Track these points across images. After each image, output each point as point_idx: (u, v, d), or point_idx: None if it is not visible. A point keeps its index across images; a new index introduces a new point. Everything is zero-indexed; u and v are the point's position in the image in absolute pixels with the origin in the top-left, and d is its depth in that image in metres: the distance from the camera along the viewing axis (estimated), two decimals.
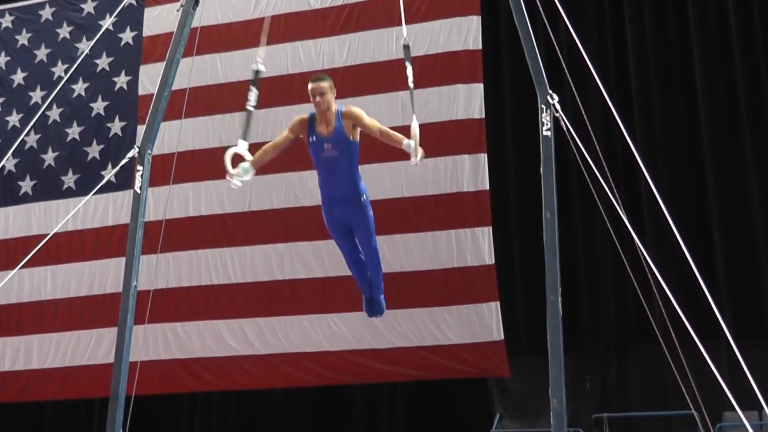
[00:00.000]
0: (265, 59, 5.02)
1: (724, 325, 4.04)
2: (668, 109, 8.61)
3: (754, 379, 4.02)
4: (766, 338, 8.04)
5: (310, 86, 4.87)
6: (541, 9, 5.96)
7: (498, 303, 8.42)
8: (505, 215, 8.89)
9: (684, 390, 5.87)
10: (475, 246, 8.55)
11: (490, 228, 8.59)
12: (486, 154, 8.74)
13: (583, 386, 8.60)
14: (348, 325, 8.77)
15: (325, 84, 4.88)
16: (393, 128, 8.83)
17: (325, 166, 4.93)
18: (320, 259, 8.93)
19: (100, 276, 9.68)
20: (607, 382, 8.63)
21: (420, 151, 4.37)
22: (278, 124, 9.31)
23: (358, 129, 4.88)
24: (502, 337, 8.34)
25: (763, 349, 7.92)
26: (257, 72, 5.01)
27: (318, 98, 4.85)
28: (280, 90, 9.32)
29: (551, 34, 6.15)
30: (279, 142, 5.03)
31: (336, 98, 4.96)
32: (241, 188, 9.35)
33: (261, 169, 9.70)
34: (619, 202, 4.99)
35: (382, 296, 5.31)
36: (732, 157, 8.32)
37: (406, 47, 4.87)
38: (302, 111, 5.22)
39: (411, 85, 4.68)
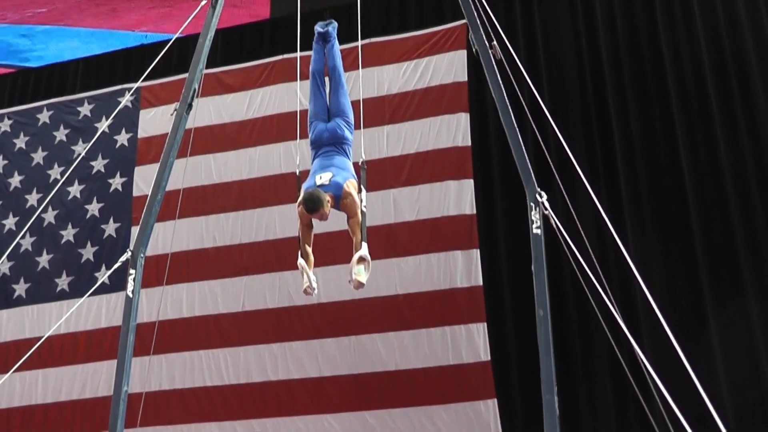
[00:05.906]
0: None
1: (720, 423, 3.97)
2: (657, 201, 8.67)
3: None
4: None
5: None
6: (525, 107, 6.09)
7: (495, 400, 8.30)
8: (500, 311, 8.81)
9: None
10: (471, 342, 8.48)
11: (485, 324, 8.55)
12: (478, 250, 8.78)
13: None
14: (343, 425, 8.61)
15: (322, 210, 5.11)
16: (385, 225, 8.82)
17: None
18: (314, 358, 8.85)
19: (92, 379, 9.54)
20: None
21: (356, 278, 4.85)
22: (272, 222, 9.38)
23: None
24: None
25: None
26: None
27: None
28: (274, 189, 9.41)
29: (537, 132, 6.26)
30: (306, 238, 5.27)
31: None
32: (234, 288, 9.41)
33: (254, 268, 9.66)
34: (611, 298, 4.98)
35: None
36: (724, 246, 8.32)
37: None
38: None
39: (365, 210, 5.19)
